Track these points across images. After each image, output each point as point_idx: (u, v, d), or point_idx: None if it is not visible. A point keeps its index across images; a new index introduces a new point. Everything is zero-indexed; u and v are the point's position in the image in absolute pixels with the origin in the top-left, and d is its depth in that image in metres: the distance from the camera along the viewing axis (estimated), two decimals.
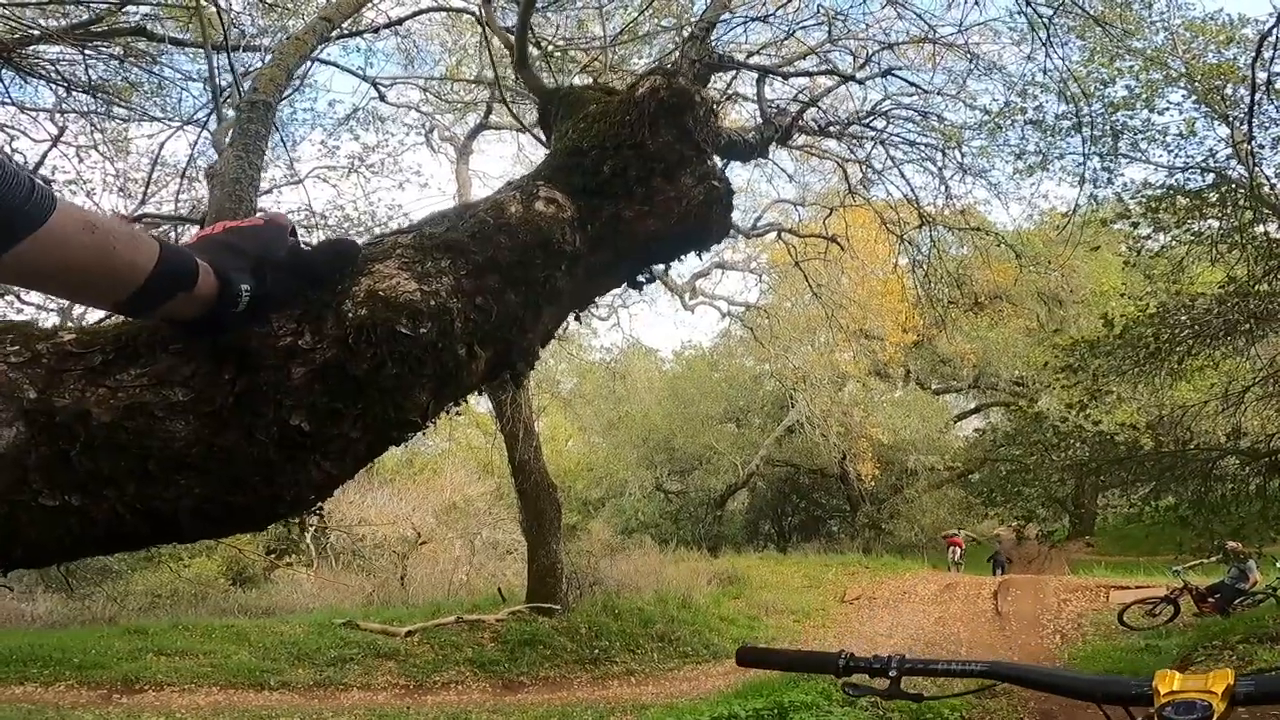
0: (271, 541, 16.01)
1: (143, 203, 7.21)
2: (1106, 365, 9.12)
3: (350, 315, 1.09)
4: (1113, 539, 19.28)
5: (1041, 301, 14.83)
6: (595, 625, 10.67)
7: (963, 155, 7.70)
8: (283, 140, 7.54)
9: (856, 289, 14.07)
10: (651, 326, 62.36)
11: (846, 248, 10.95)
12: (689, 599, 12.31)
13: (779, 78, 5.86)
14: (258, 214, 1.23)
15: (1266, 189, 7.58)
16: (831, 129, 6.56)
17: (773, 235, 12.02)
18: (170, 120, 6.71)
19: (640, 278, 2.42)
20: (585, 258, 1.70)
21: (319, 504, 1.61)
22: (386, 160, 10.68)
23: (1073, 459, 10.94)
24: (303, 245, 1.04)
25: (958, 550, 17.70)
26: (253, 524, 1.16)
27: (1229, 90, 7.64)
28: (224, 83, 4.23)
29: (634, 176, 1.80)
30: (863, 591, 14.33)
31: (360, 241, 1.27)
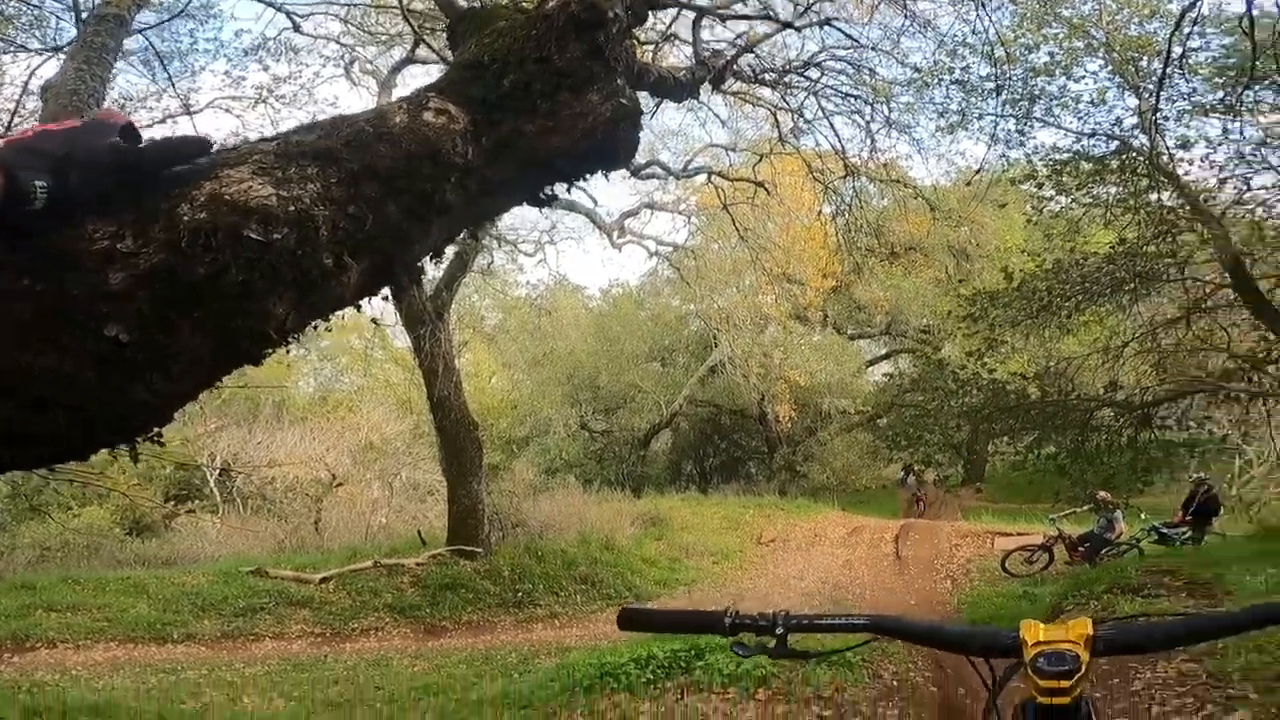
0: (171, 487, 15.16)
1: (7, 129, 6.77)
2: (1004, 316, 9.58)
3: (186, 218, 1.04)
4: (1000, 486, 20.74)
5: (951, 254, 15.52)
6: (518, 568, 10.73)
7: (890, 111, 7.83)
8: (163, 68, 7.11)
9: (781, 234, 14.41)
10: (579, 264, 62.42)
11: (774, 193, 11.26)
12: (612, 540, 12.56)
13: (717, 20, 5.65)
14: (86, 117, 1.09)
15: (1165, 159, 8.02)
16: (766, 76, 6.46)
17: (703, 178, 12.19)
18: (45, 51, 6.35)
19: (543, 194, 2.33)
20: (480, 171, 1.65)
21: (155, 429, 1.47)
22: (300, 92, 10.12)
23: (969, 405, 11.64)
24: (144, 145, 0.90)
25: (922, 504, 18.97)
26: (72, 452, 1.11)
27: (1144, 63, 7.93)
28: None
29: (538, 91, 1.76)
30: (778, 534, 15.02)
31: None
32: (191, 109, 8.80)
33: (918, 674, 4.58)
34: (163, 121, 8.53)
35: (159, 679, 6.75)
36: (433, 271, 10.91)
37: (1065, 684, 0.72)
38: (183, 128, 9.50)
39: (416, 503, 15.83)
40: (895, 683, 4.37)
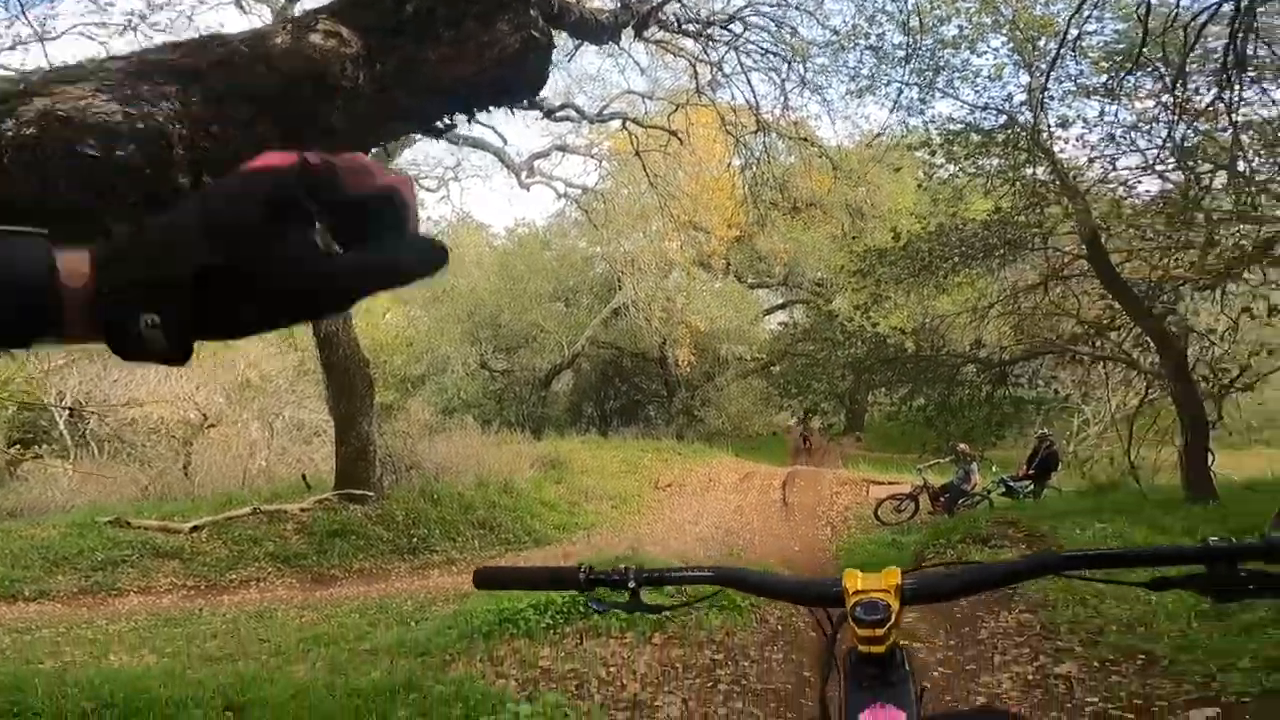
0: (14, 431, 13.56)
1: None
2: (889, 273, 10.07)
3: (10, 134, 1.01)
4: (877, 435, 22.13)
5: (848, 212, 16.18)
6: (413, 512, 10.45)
7: (806, 71, 7.91)
8: None
9: (690, 183, 14.56)
10: (485, 202, 60.42)
11: (686, 143, 11.32)
12: (511, 484, 12.45)
13: None
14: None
15: (1045, 135, 8.53)
16: (689, 27, 6.32)
17: (617, 124, 12.11)
18: None
19: (441, 123, 2.18)
20: (371, 97, 1.59)
21: None
22: (179, 20, 8.97)
23: (853, 356, 12.35)
24: None
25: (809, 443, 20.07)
26: None
27: (1042, 42, 8.29)
28: None
29: (443, 17, 1.70)
30: (674, 479, 15.50)
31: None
32: (46, 36, 7.62)
33: (799, 619, 4.91)
34: (12, 48, 7.66)
35: (12, 639, 6.19)
36: None
37: (879, 632, 0.75)
38: (34, 57, 8.23)
39: (301, 445, 15.02)
40: (780, 627, 4.70)
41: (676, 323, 20.13)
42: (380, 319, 23.61)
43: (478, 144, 12.71)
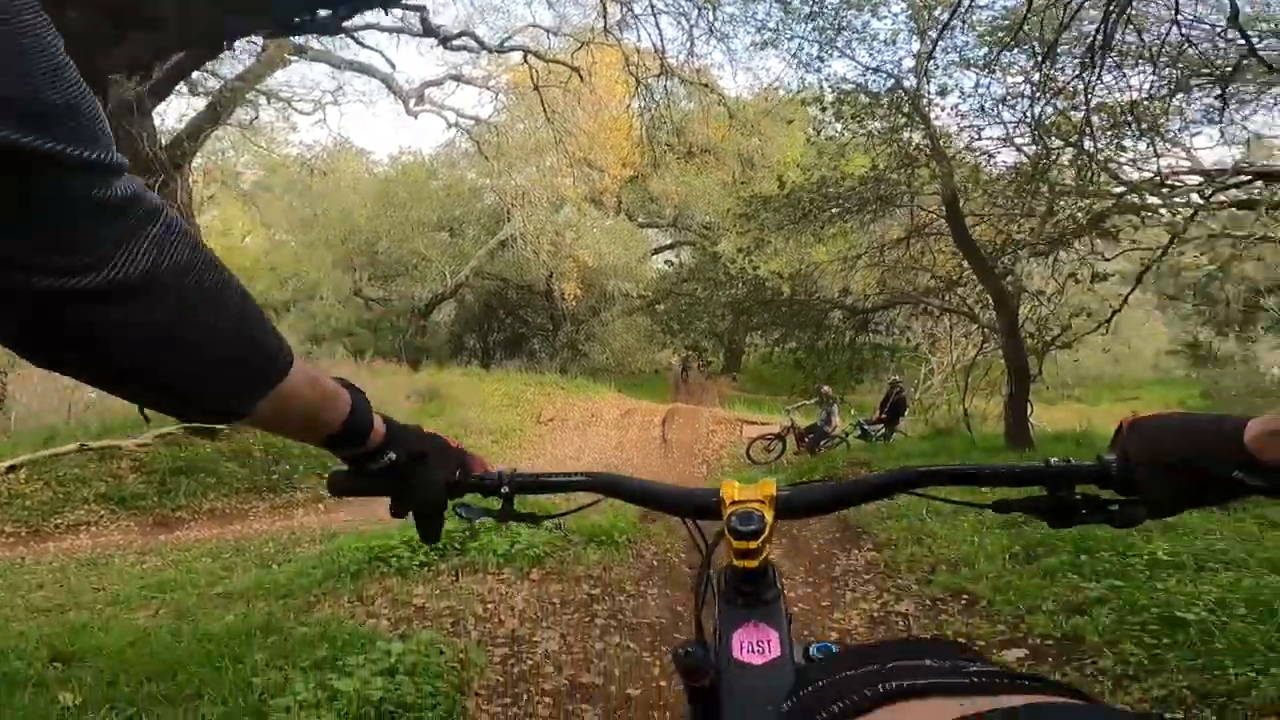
0: None
1: None
2: (772, 220, 10.42)
3: None
4: (753, 376, 23.08)
5: (740, 161, 16.42)
6: (273, 447, 9.71)
7: (715, 19, 7.82)
8: None
9: (589, 121, 14.27)
10: (369, 130, 56.19)
11: (588, 81, 11.11)
12: (384, 416, 12.06)
13: None
14: None
15: (925, 102, 8.98)
16: None
17: (518, 57, 11.73)
18: None
19: (295, 20, 1.97)
20: None
21: None
22: None
23: (733, 297, 12.79)
24: None
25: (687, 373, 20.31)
26: None
27: (937, 11, 8.57)
28: None
29: None
30: (557, 413, 15.48)
31: None
32: None
33: (674, 555, 5.17)
34: None
35: None
36: (169, 119, 9.14)
37: (754, 545, 0.72)
38: None
39: None
40: (656, 562, 4.88)
41: (564, 257, 19.90)
42: (239, 242, 21.65)
43: (362, 69, 12.09)
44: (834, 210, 10.08)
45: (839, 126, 9.99)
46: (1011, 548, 4.07)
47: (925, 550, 4.37)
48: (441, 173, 23.38)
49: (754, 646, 0.70)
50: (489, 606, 3.75)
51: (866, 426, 11.57)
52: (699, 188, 19.32)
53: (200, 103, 11.15)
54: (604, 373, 20.93)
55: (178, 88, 9.66)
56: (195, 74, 10.67)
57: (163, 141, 9.30)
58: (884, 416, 11.63)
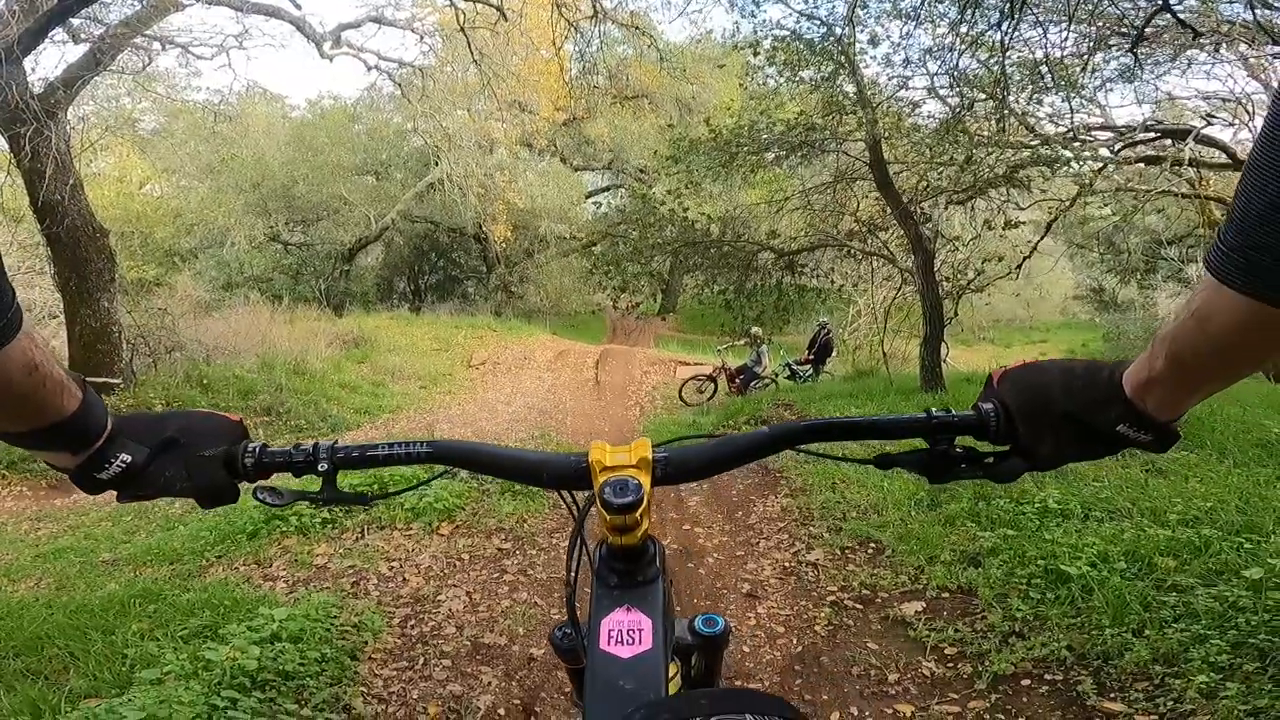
0: None
1: None
2: (701, 163, 10.35)
3: None
4: (687, 317, 23.17)
5: (676, 106, 16.17)
6: (176, 400, 9.23)
7: None
8: None
9: (520, 64, 13.72)
10: (282, 74, 52.26)
11: (517, 24, 10.66)
12: (303, 364, 11.41)
13: None
14: None
15: (856, 50, 9.00)
16: None
17: None
18: None
19: None
20: None
21: None
22: None
23: (666, 239, 12.81)
24: None
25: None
26: None
27: None
28: None
29: None
30: (489, 356, 15.10)
31: None
32: None
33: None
34: None
35: None
36: (48, 67, 8.45)
37: (630, 519, 0.64)
38: None
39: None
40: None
41: (495, 200, 19.35)
42: (137, 189, 20.08)
43: (269, 11, 11.23)
44: (763, 154, 10.11)
45: (772, 71, 9.93)
46: (917, 494, 4.07)
47: (838, 496, 4.39)
48: (365, 117, 22.40)
49: (623, 636, 0.65)
50: (394, 565, 3.61)
51: (795, 367, 11.84)
52: (635, 132, 19.02)
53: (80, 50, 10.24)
54: (539, 314, 20.71)
55: (54, 34, 9.03)
56: (76, 21, 9.94)
57: (34, 89, 8.76)
58: (812, 357, 11.89)
